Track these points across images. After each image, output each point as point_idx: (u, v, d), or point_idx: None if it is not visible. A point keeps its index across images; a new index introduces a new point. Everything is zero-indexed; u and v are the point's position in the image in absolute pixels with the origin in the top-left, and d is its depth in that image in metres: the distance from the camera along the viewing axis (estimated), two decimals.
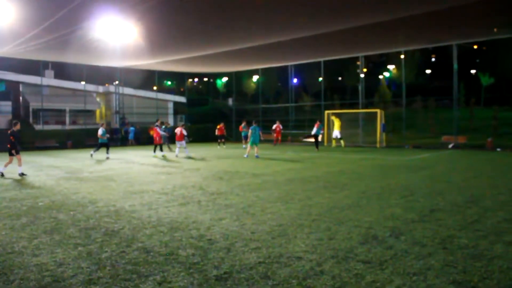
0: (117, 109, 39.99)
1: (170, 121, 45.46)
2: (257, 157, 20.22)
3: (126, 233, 6.73)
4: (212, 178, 13.30)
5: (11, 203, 9.46)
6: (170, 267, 5.11)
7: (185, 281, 4.67)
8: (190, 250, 5.74)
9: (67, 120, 41.99)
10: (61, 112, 42.02)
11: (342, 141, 29.29)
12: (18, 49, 24.48)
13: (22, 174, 14.69)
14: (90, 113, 43.70)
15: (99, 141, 22.23)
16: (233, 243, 6.06)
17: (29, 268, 5.13)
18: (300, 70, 47.01)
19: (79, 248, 5.91)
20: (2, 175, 14.68)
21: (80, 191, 11.15)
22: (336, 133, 29.26)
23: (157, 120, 24.92)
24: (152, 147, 23.99)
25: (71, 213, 8.32)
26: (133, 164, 18.69)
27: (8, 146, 14.83)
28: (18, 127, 15.25)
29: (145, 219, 7.64)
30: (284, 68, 39.02)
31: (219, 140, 30.98)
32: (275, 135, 32.07)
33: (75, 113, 42.20)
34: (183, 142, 22.54)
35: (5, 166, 14.87)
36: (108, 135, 22.91)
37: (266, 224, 7.18)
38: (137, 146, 33.22)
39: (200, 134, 34.29)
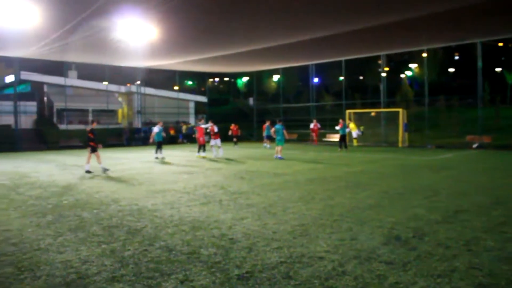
0: (139, 109, 40.42)
1: (191, 121, 45.81)
2: (279, 158, 19.70)
3: (148, 231, 6.80)
4: (233, 178, 13.33)
5: (37, 201, 9.65)
6: (192, 265, 5.15)
7: (207, 280, 4.69)
8: (212, 249, 5.77)
9: (90, 119, 42.63)
10: (84, 112, 42.66)
11: (355, 140, 29.91)
12: (43, 50, 24.94)
13: (105, 170, 15.15)
14: (113, 113, 44.27)
15: (156, 140, 21.28)
16: (255, 242, 6.07)
17: (55, 265, 5.23)
18: (321, 69, 46.73)
19: (103, 246, 6.00)
20: (89, 171, 15.17)
21: (103, 190, 11.30)
22: (354, 133, 29.49)
23: (200, 120, 24.22)
24: (169, 146, 23.51)
25: (95, 211, 8.44)
26: (155, 163, 18.86)
27: (90, 143, 15.34)
28: (95, 125, 15.86)
29: (167, 218, 7.70)
30: (305, 68, 38.87)
31: (234, 140, 31.15)
32: (314, 134, 31.90)
33: (98, 113, 42.79)
34: (218, 141, 21.78)
35: (98, 161, 15.34)
36: (164, 134, 22.20)
37: (287, 223, 7.17)
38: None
39: (221, 134, 34.20)
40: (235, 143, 31.01)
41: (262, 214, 7.91)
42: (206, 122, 22.58)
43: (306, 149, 27.58)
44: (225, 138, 31.27)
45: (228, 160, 19.81)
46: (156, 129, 21.38)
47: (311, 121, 33.18)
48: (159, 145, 21.04)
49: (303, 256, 5.42)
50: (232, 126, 31.73)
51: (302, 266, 5.06)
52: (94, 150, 15.29)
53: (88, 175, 14.67)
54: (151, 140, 21.84)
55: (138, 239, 6.34)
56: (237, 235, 6.47)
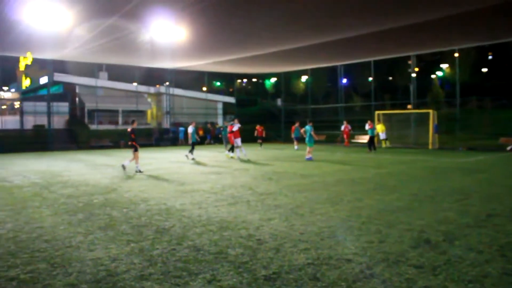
0: (168, 109, 40.89)
1: (220, 121, 46.06)
2: (308, 159, 19.60)
3: (176, 231, 6.87)
4: (261, 179, 13.34)
5: (68, 200, 9.88)
6: (219, 265, 5.18)
7: (234, 280, 4.71)
8: (239, 250, 5.79)
9: (120, 120, 43.32)
10: (114, 112, 43.39)
11: (387, 141, 30.05)
12: (75, 52, 25.54)
13: (139, 171, 15.32)
14: (142, 113, 44.89)
15: (193, 140, 21.05)
16: (282, 243, 6.06)
17: (86, 262, 5.34)
18: (349, 70, 46.40)
19: (132, 245, 6.10)
20: (140, 171, 15.35)
21: (133, 189, 11.48)
22: (382, 135, 29.24)
23: (233, 120, 23.72)
24: (197, 147, 22.59)
25: (124, 210, 8.58)
26: (183, 163, 19.05)
27: (131, 143, 15.58)
28: (135, 124, 16.01)
29: (195, 218, 7.77)
30: (333, 68, 38.63)
31: (259, 141, 31.08)
32: (345, 136, 31.71)
33: (128, 113, 43.44)
34: (238, 140, 21.06)
35: (135, 162, 15.57)
36: (197, 137, 21.82)
37: (315, 225, 7.13)
38: (188, 146, 33.73)
39: (249, 135, 34.06)
40: (260, 144, 30.95)
41: (289, 215, 7.89)
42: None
43: (335, 150, 27.38)
44: (252, 139, 31.34)
45: (256, 161, 19.83)
46: (190, 129, 21.27)
47: (340, 122, 32.92)
48: (193, 146, 20.95)
49: (330, 258, 5.38)
50: (258, 127, 31.67)
51: (329, 268, 5.03)
52: (136, 149, 15.52)
53: (119, 175, 14.92)
54: (190, 142, 21.29)
55: (166, 238, 6.41)
56: (264, 236, 6.47)
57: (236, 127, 21.16)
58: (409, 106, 31.91)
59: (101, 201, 9.65)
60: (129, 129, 15.84)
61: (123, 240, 6.34)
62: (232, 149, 21.64)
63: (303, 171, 15.44)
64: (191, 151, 20.82)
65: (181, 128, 36.38)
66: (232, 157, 21.21)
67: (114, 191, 11.24)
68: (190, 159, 20.39)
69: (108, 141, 33.39)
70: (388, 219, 7.49)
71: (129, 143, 15.75)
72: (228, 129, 21.82)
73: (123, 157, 22.87)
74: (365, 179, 12.99)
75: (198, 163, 19.18)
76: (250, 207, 8.72)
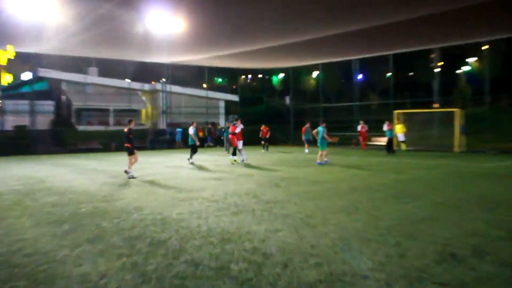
0: (164, 108, 40.94)
1: (221, 121, 46.13)
2: (320, 164, 19.62)
3: (173, 243, 6.85)
4: (268, 185, 13.31)
5: (53, 209, 9.87)
6: (220, 282, 5.14)
7: None
8: (243, 264, 5.76)
9: (111, 120, 43.38)
10: (105, 111, 43.46)
11: (403, 144, 29.76)
12: (62, 45, 25.62)
13: (131, 176, 15.41)
14: (136, 112, 44.93)
15: (190, 143, 21.42)
16: (291, 257, 6.02)
17: (72, 279, 5.31)
18: (365, 64, 46.27)
19: (123, 259, 6.07)
20: (132, 176, 15.46)
21: (125, 197, 11.47)
22: (401, 137, 29.17)
23: (236, 120, 23.80)
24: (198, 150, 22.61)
25: (115, 220, 8.56)
26: (181, 168, 19.05)
27: (127, 145, 15.71)
28: (133, 124, 16.16)
29: (194, 229, 7.74)
30: (347, 63, 38.58)
31: (263, 143, 31.06)
32: (361, 138, 31.55)
33: (119, 113, 43.49)
34: (240, 143, 21.17)
35: (128, 166, 15.65)
36: (197, 142, 21.69)
37: (327, 237, 7.09)
38: (185, 149, 33.78)
39: (254, 136, 34.06)
40: (264, 146, 30.90)
41: (299, 226, 7.85)
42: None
43: (349, 153, 27.31)
44: (257, 141, 31.33)
45: (262, 165, 19.81)
46: (191, 130, 21.41)
47: (355, 122, 32.82)
48: (193, 148, 21.08)
49: (344, 274, 5.34)
50: (263, 127, 31.61)
51: (343, 285, 4.99)
52: (131, 152, 15.56)
53: (110, 181, 14.93)
54: (198, 143, 21.50)
55: (162, 252, 6.39)
56: (271, 249, 6.43)
57: (239, 128, 21.14)
58: (436, 105, 31.77)
59: (90, 210, 9.65)
60: (125, 130, 15.89)
61: (113, 254, 6.32)
62: (234, 152, 21.63)
63: (314, 176, 15.40)
64: (192, 155, 20.89)
65: (179, 129, 36.45)
66: (235, 161, 21.20)
67: (104, 199, 11.23)
68: (190, 163, 20.43)
69: (98, 144, 33.46)
70: (409, 231, 7.44)
71: (126, 144, 15.79)
72: (230, 130, 21.83)
73: (114, 161, 22.97)
74: (383, 186, 12.93)
75: (197, 167, 19.18)
76: (255, 217, 8.68)
